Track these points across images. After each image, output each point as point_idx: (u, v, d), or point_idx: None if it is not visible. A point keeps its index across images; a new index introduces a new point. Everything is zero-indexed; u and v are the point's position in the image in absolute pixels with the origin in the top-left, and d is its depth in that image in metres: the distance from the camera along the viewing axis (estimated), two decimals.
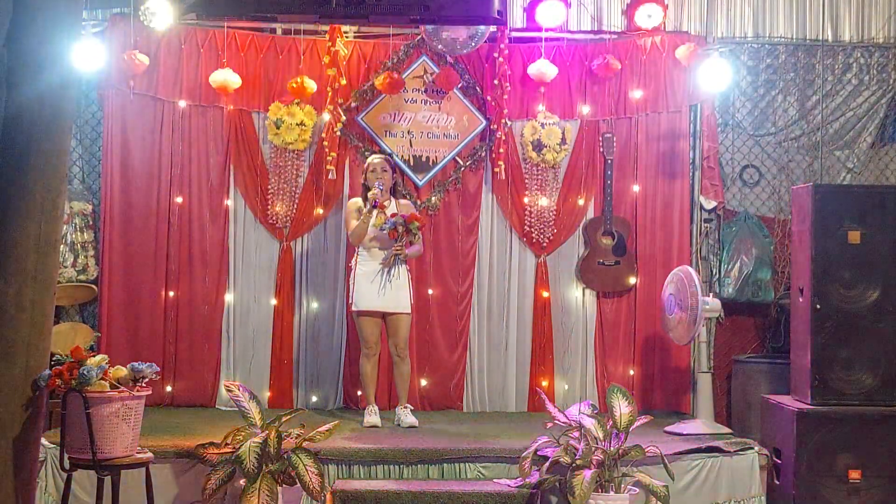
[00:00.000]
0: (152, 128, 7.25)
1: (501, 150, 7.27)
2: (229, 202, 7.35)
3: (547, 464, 5.41)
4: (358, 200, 6.61)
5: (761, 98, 7.61)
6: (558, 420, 5.62)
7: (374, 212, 6.37)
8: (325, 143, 7.15)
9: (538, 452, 5.49)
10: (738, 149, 7.62)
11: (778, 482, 6.02)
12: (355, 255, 6.58)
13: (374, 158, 6.62)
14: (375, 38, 7.35)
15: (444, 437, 6.08)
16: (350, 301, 6.58)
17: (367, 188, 6.54)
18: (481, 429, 6.45)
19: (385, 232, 6.33)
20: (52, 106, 4.39)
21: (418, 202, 7.23)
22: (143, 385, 4.62)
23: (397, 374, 6.62)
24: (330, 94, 7.13)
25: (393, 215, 6.39)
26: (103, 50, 6.87)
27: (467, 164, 7.38)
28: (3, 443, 4.24)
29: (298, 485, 5.14)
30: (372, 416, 6.50)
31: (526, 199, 7.37)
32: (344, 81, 7.23)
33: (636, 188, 7.44)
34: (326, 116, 7.14)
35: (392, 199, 6.57)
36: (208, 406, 7.23)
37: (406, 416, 6.53)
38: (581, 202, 7.41)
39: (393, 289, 6.44)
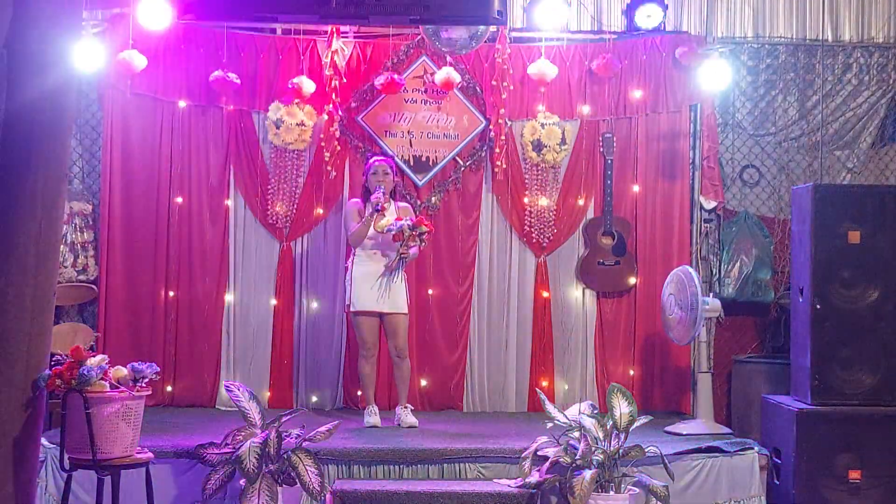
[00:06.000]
0: (152, 128, 7.26)
1: (498, 150, 7.27)
2: (229, 202, 7.36)
3: (547, 464, 5.42)
4: (358, 202, 6.60)
5: (761, 98, 7.61)
6: (558, 420, 5.62)
7: (375, 216, 6.36)
8: (324, 143, 7.16)
9: (538, 452, 5.49)
10: (738, 149, 7.62)
11: (778, 482, 6.02)
12: (352, 255, 6.58)
13: (376, 161, 6.59)
14: (375, 38, 7.35)
15: (444, 437, 6.08)
16: (347, 302, 6.58)
17: (367, 190, 6.54)
18: (481, 429, 6.45)
19: (390, 234, 6.32)
20: (53, 106, 4.38)
21: (418, 202, 7.23)
22: (143, 385, 4.62)
23: (397, 374, 6.62)
24: (328, 94, 7.13)
25: (399, 218, 6.38)
26: (103, 50, 6.87)
27: (467, 164, 7.38)
28: (4, 443, 4.24)
29: (298, 485, 5.15)
30: (372, 417, 6.50)
31: (526, 199, 7.37)
32: (344, 80, 7.23)
33: (636, 188, 7.44)
34: (326, 117, 7.15)
35: (392, 201, 6.56)
36: (208, 406, 7.23)
37: (406, 415, 6.52)
38: (581, 202, 7.41)
39: (390, 290, 6.44)
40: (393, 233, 6.30)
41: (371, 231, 6.40)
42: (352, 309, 6.52)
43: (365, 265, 6.48)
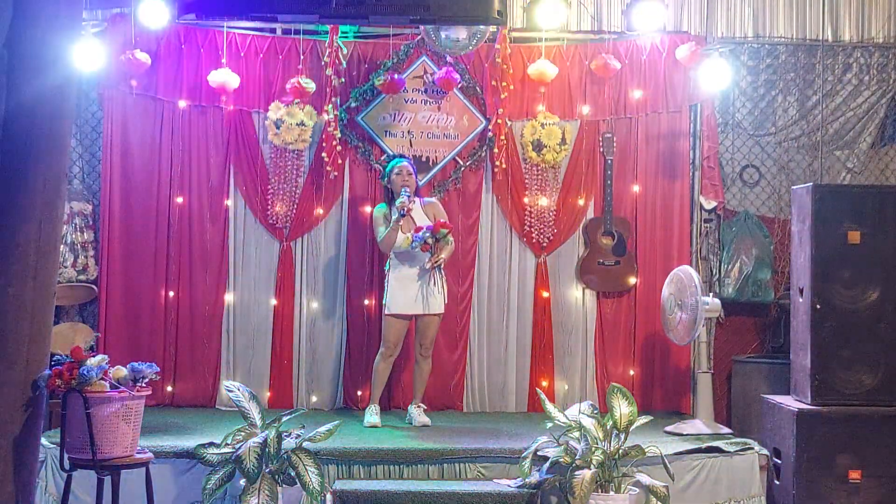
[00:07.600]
0: (152, 128, 7.26)
1: (498, 150, 7.26)
2: (229, 202, 7.35)
3: (547, 464, 5.42)
4: (384, 207, 6.59)
5: (761, 98, 7.61)
6: (558, 420, 5.62)
7: (402, 221, 6.37)
8: (324, 143, 7.16)
9: (538, 452, 5.49)
10: (738, 149, 7.62)
11: (778, 482, 6.02)
12: (388, 259, 6.59)
13: (398, 162, 6.58)
14: (375, 38, 7.35)
15: (444, 437, 6.08)
16: (384, 301, 6.57)
17: (390, 192, 6.54)
18: (481, 429, 6.46)
19: (416, 248, 6.34)
20: (52, 106, 4.39)
21: None
22: (143, 385, 4.62)
23: (417, 372, 6.67)
24: (328, 94, 7.13)
25: (417, 229, 6.37)
26: (103, 50, 6.87)
27: (467, 164, 7.37)
28: (3, 443, 4.24)
29: (298, 485, 5.15)
30: (372, 416, 6.50)
31: (526, 199, 7.37)
32: (343, 80, 7.23)
33: (636, 188, 7.44)
34: (326, 117, 7.15)
35: (417, 199, 6.57)
36: (208, 406, 7.23)
37: (419, 414, 6.56)
38: (581, 202, 7.40)
39: (426, 293, 6.46)
40: (417, 246, 6.33)
41: (397, 242, 6.40)
42: (386, 311, 6.54)
43: (399, 269, 6.51)
